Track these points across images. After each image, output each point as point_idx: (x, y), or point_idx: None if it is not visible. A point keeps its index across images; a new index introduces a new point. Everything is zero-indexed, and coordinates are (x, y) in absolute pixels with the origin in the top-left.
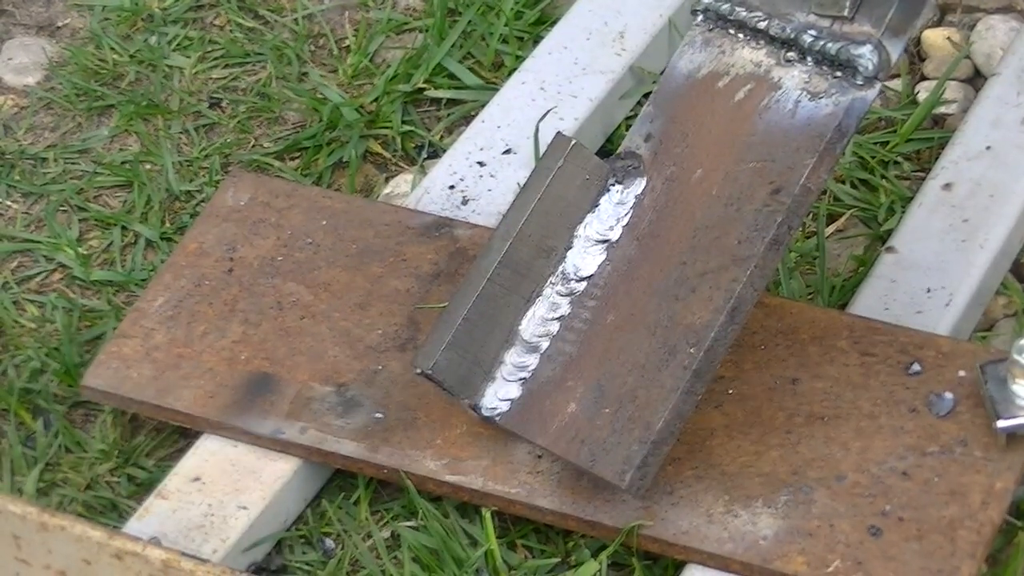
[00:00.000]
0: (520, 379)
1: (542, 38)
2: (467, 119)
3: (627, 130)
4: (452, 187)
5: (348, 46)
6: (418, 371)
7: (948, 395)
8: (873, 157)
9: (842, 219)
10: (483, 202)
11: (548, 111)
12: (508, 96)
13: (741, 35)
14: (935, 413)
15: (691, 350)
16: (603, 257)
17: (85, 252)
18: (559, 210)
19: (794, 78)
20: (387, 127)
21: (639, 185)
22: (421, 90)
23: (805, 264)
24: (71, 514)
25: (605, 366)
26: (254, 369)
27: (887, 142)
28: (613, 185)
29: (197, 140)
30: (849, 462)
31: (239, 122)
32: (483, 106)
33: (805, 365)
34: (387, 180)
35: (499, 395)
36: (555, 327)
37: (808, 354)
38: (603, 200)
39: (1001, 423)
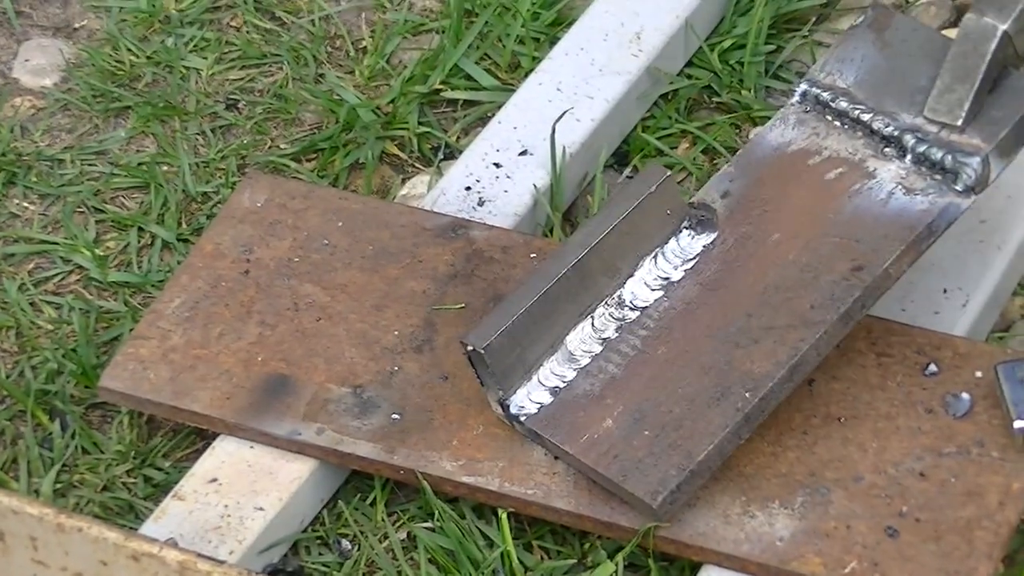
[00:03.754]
0: (554, 387)
1: (559, 39)
2: (483, 120)
3: (643, 131)
4: (468, 188)
5: (365, 47)
6: (469, 348)
7: (965, 396)
8: None
9: None
10: (499, 203)
11: (565, 112)
12: (525, 97)
13: (838, 123)
14: (952, 414)
15: (746, 394)
16: (660, 293)
17: (102, 253)
18: (635, 236)
19: (890, 171)
20: (404, 128)
21: (709, 236)
22: (438, 91)
23: None
24: (88, 515)
25: (650, 392)
26: (271, 371)
27: None
28: (685, 229)
29: (214, 141)
30: (866, 463)
31: (256, 123)
32: (500, 107)
33: (822, 366)
34: (403, 181)
35: (531, 397)
36: (598, 347)
37: (826, 356)
38: (672, 240)
39: (1018, 424)
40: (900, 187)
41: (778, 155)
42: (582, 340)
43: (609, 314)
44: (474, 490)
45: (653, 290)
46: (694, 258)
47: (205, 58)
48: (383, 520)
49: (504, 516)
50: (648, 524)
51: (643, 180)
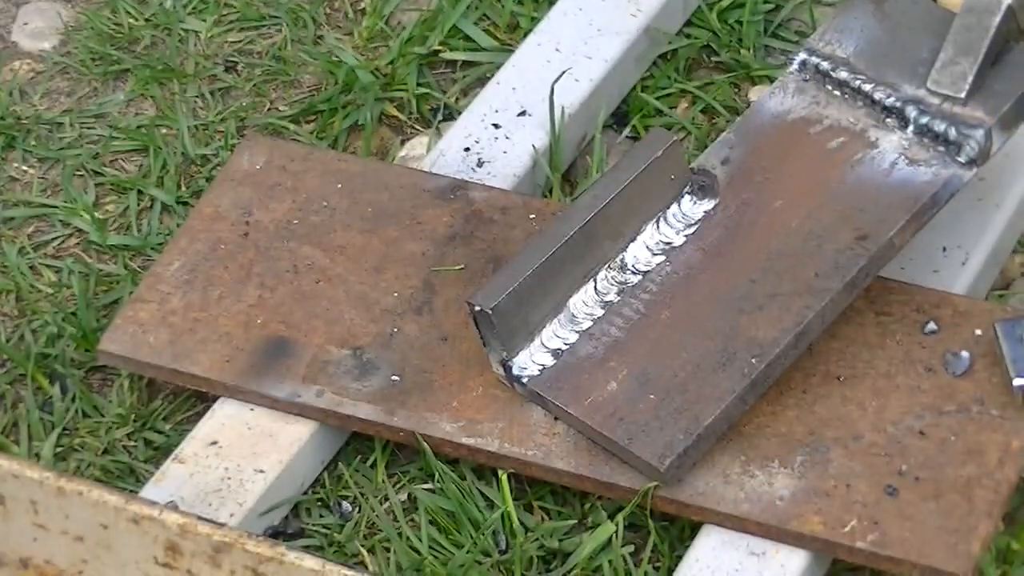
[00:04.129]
0: (556, 349)
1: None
2: (482, 81)
3: (642, 92)
4: (467, 149)
5: (363, 8)
6: (477, 308)
7: (964, 354)
8: None
9: None
10: (498, 164)
11: (563, 72)
12: (523, 58)
13: (839, 92)
14: (951, 372)
15: (753, 360)
16: (662, 258)
17: (101, 217)
18: (639, 200)
19: (892, 142)
20: (402, 90)
21: (711, 202)
22: (436, 52)
23: None
24: (88, 479)
25: (654, 357)
26: (270, 333)
27: None
28: (687, 194)
29: (213, 104)
30: (865, 422)
31: (254, 86)
32: (498, 68)
33: None
34: (402, 143)
35: (534, 359)
36: (600, 310)
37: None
38: (674, 205)
39: (1018, 381)
40: (903, 157)
41: (778, 123)
42: (584, 303)
43: (611, 277)
44: (474, 451)
45: (655, 254)
46: (696, 223)
47: (204, 20)
48: (383, 482)
49: (504, 477)
50: (648, 484)
51: (649, 144)
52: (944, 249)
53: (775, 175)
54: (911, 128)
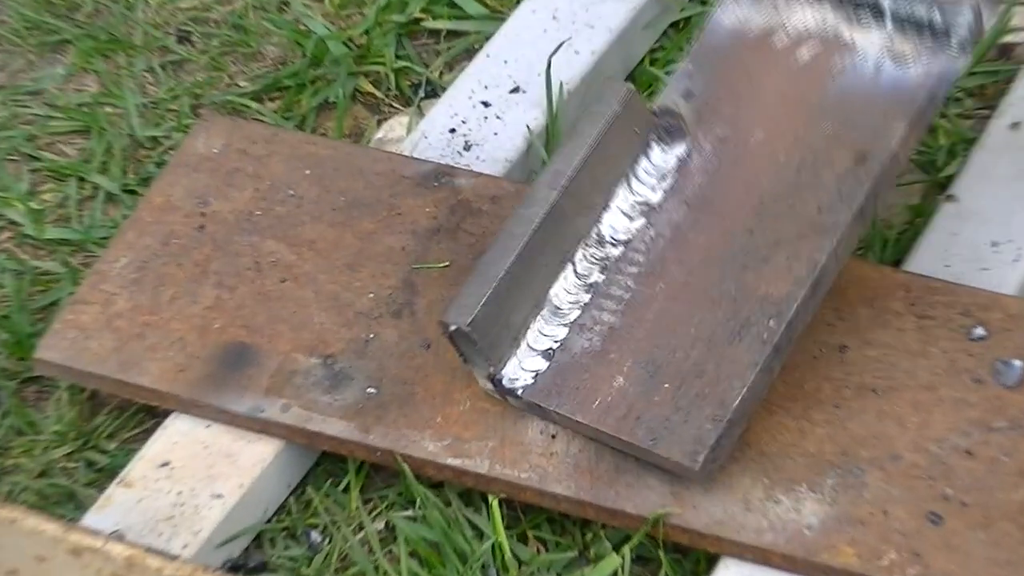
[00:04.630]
0: (546, 350)
1: None
2: (470, 53)
3: (651, 65)
4: (453, 131)
5: None
6: (452, 328)
7: (1017, 363)
8: None
9: None
10: (488, 147)
11: (561, 44)
12: (516, 27)
13: None
14: (1002, 383)
15: (770, 323)
16: (643, 221)
17: (37, 207)
18: (606, 165)
19: (871, 41)
20: (379, 63)
21: (682, 146)
22: (418, 20)
23: None
24: (23, 505)
25: (658, 339)
26: (229, 339)
27: None
28: (653, 143)
29: (164, 79)
30: (905, 440)
31: (211, 58)
32: (488, 38)
33: (855, 330)
34: (379, 123)
35: (524, 365)
36: (586, 295)
37: (858, 317)
38: (643, 159)
39: None
40: (886, 56)
41: (738, 40)
42: (566, 291)
43: (590, 255)
44: (461, 473)
45: (633, 219)
46: (671, 174)
47: None
48: (358, 508)
49: (495, 503)
50: (658, 511)
51: (606, 100)
52: (994, 244)
53: (748, 102)
54: (888, 20)
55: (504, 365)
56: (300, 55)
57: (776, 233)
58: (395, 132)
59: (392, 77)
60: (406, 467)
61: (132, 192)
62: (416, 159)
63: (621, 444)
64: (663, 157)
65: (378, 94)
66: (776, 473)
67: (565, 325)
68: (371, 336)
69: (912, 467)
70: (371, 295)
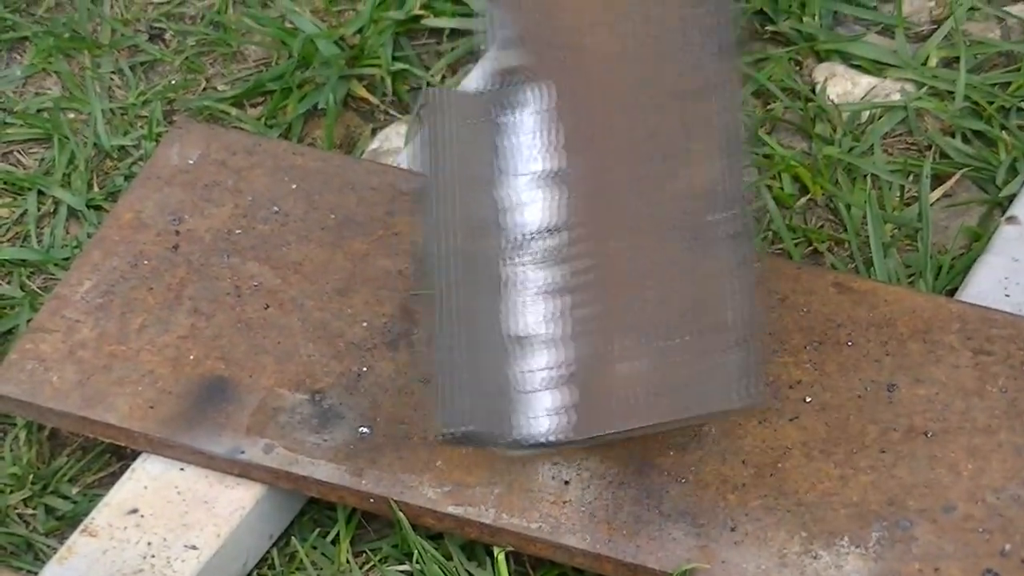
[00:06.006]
0: (545, 382)
1: None
2: (474, 55)
3: None
4: None
5: None
6: (453, 432)
7: None
8: (991, 103)
9: (951, 181)
10: None
11: None
12: None
13: None
14: None
15: (717, 216)
16: (541, 194)
17: None
18: (467, 177)
19: None
20: (374, 65)
21: (534, 98)
22: (417, 18)
23: (904, 238)
24: None
25: (643, 297)
26: (206, 372)
27: (1008, 83)
28: (503, 115)
29: (133, 82)
30: (959, 489)
31: (186, 59)
32: None
33: (904, 367)
34: (374, 132)
35: (534, 415)
36: (550, 304)
37: (908, 353)
38: (501, 138)
39: None
40: None
41: None
42: (526, 315)
43: (520, 264)
44: (463, 523)
45: (530, 202)
46: (541, 132)
47: None
48: (348, 562)
49: (501, 557)
50: (683, 566)
51: (427, 118)
52: None
53: (563, 16)
54: None
55: (517, 427)
56: (286, 56)
57: (664, 124)
58: (391, 142)
59: (388, 81)
60: (402, 516)
61: (97, 208)
62: (415, 173)
63: (657, 427)
64: (519, 119)
65: (373, 100)
66: (815, 525)
67: (547, 345)
68: (364, 369)
69: (967, 519)
70: (364, 324)
